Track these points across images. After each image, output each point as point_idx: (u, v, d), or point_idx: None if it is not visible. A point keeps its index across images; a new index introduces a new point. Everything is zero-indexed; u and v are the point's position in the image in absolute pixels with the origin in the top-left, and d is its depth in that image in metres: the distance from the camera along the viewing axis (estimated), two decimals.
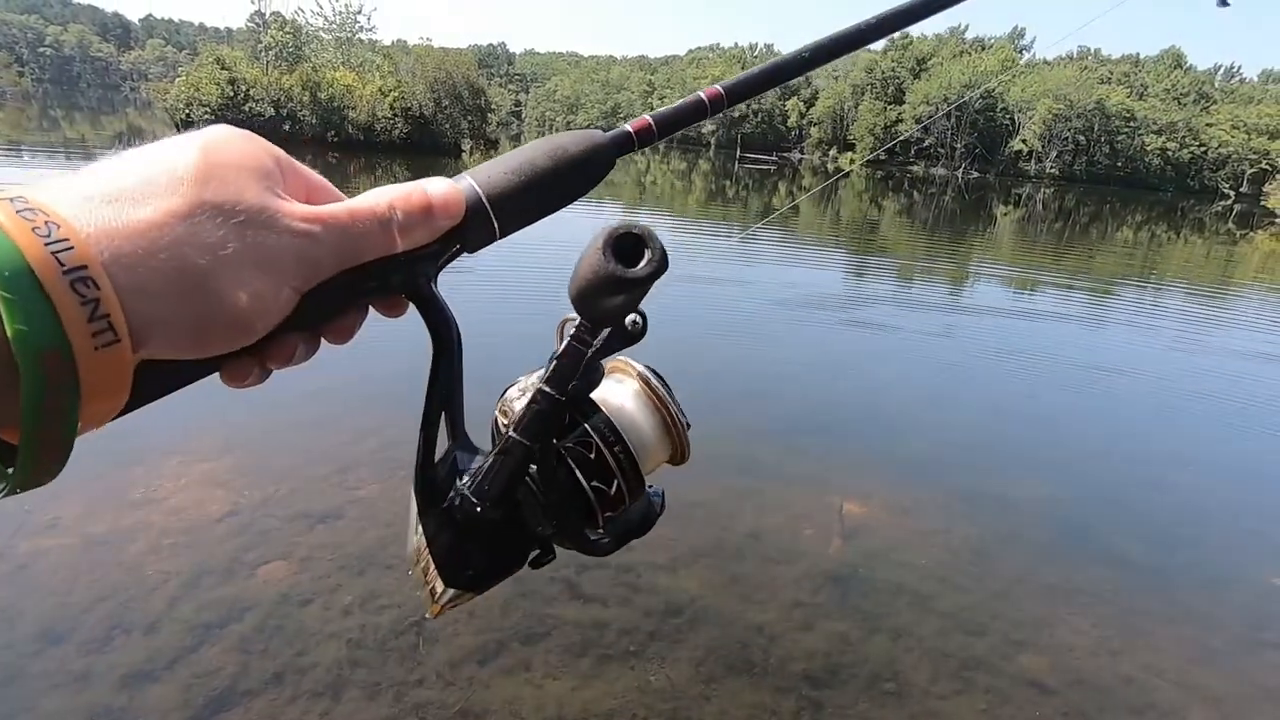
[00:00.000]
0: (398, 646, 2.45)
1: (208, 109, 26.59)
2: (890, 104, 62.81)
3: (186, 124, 26.73)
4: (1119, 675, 2.66)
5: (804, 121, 71.73)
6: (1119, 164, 59.80)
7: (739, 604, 2.84)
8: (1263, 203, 43.11)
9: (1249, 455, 5.11)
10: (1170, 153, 59.34)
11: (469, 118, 32.04)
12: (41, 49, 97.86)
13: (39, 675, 2.25)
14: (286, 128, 27.94)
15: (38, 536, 2.88)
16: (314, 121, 28.31)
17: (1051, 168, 58.69)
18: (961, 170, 59.28)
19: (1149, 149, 59.26)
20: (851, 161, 60.59)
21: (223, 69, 27.03)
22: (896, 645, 2.70)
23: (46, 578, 2.67)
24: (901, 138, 52.11)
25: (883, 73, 63.82)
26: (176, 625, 2.48)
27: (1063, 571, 3.38)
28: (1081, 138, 58.57)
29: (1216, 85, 71.65)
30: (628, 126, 0.43)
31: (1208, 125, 60.38)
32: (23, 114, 33.83)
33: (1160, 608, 3.14)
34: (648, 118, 0.43)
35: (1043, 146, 58.50)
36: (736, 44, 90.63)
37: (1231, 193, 59.10)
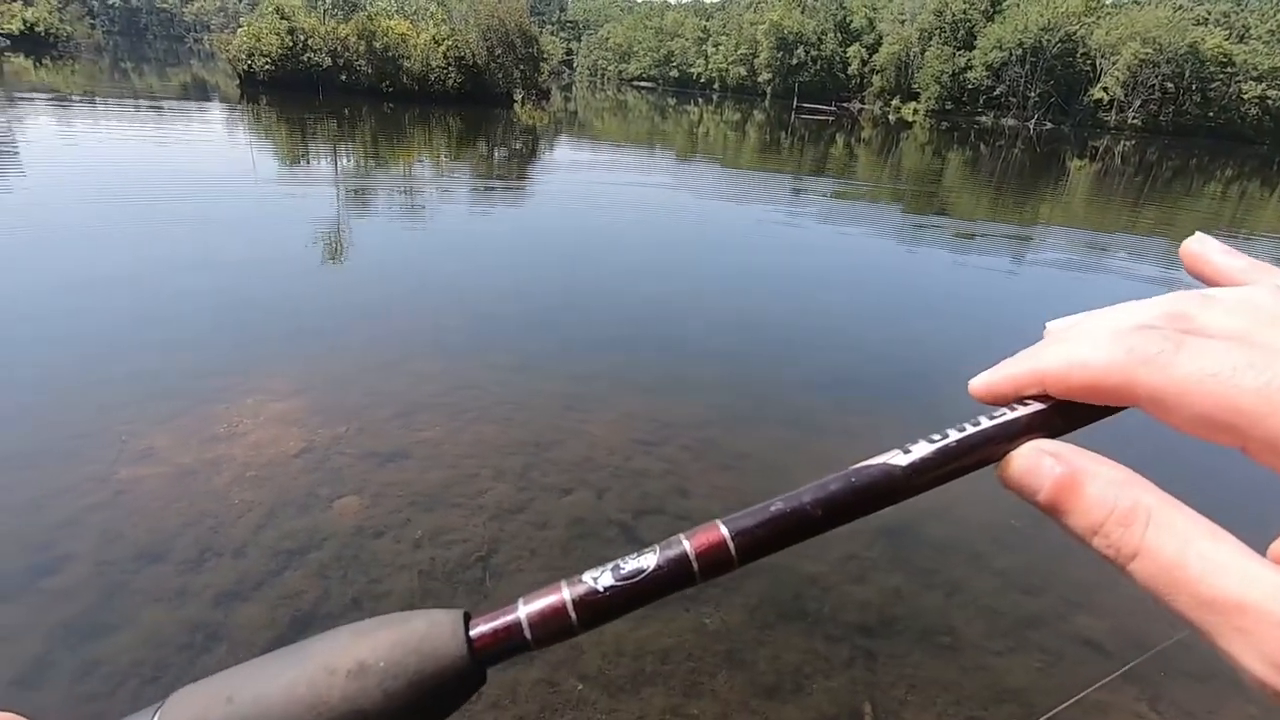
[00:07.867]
0: (465, 579, 2.58)
1: (268, 59, 26.97)
2: (960, 49, 59.28)
3: (249, 75, 27.22)
4: (1179, 641, 2.61)
5: (865, 69, 68.49)
6: (1211, 114, 55.36)
7: (792, 556, 2.87)
8: None
9: None
10: (1271, 101, 54.58)
11: (521, 67, 31.68)
12: (111, 1, 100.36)
13: (140, 591, 2.45)
14: (343, 78, 28.18)
15: (134, 465, 3.10)
16: (369, 72, 28.45)
17: (1134, 118, 54.80)
18: (1034, 121, 55.96)
19: (1246, 97, 54.56)
20: (914, 112, 57.71)
21: (282, 18, 27.22)
22: (950, 601, 2.70)
23: (143, 502, 2.88)
24: None
25: (953, 15, 60.08)
26: (262, 551, 2.66)
27: None
28: (1170, 85, 54.29)
29: None
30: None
31: None
32: (96, 66, 34.94)
33: None
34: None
35: (1126, 95, 54.56)
36: None
37: None
